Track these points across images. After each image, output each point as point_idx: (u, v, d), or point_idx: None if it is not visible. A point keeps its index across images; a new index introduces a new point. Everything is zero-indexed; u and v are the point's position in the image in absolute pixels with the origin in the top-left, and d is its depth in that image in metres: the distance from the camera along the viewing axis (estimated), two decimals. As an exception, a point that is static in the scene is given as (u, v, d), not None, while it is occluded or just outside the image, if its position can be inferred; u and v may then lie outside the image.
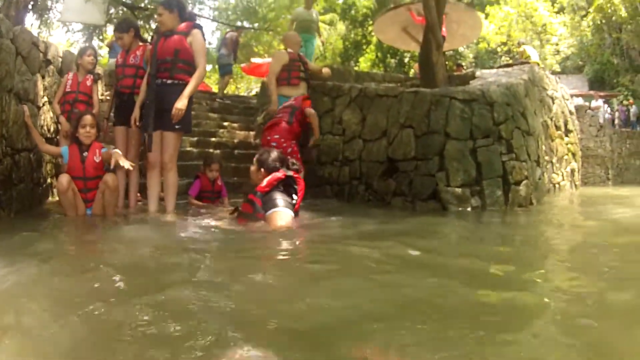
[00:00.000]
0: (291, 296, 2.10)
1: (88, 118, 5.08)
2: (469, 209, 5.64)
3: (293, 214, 4.09)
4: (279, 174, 4.19)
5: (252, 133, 9.77)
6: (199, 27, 5.26)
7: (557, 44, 23.65)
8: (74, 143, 5.11)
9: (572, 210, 7.42)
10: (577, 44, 23.97)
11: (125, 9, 16.29)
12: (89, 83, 6.10)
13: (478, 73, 8.15)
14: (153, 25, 15.65)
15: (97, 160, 4.99)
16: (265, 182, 4.16)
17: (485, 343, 1.55)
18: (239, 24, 17.47)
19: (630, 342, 1.62)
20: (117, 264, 2.61)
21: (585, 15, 22.86)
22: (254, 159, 4.54)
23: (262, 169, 4.35)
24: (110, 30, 20.67)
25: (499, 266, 2.71)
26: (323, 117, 7.66)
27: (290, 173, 4.28)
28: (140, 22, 15.96)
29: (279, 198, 4.06)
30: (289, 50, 7.32)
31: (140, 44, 5.86)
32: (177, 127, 5.00)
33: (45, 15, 19.13)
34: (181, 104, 4.91)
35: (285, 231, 3.77)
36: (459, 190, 5.65)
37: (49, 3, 18.61)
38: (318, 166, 7.30)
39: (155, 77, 5.06)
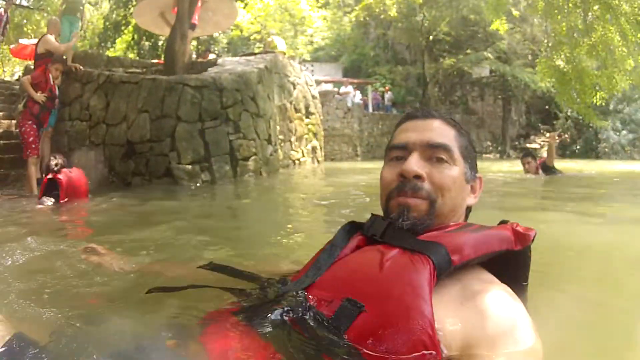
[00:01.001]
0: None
1: None
2: (199, 183, 6.43)
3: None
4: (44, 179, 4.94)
5: (14, 122, 9.14)
6: None
7: (311, 36, 25.51)
8: None
9: (296, 177, 8.71)
10: (334, 37, 26.11)
11: None
12: None
13: (220, 61, 8.89)
14: None
15: None
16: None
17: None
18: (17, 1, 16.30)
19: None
20: None
21: (350, 12, 25.22)
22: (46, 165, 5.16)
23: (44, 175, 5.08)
24: None
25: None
26: (72, 104, 7.87)
27: (51, 176, 4.87)
28: None
29: (42, 200, 4.82)
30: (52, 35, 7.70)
31: None
32: None
33: None
34: None
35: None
36: (189, 167, 6.43)
37: None
38: (69, 152, 7.38)
39: None
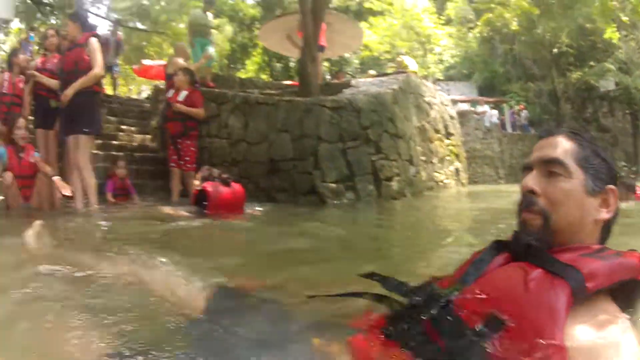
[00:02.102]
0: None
1: (22, 121, 5.56)
2: (344, 201, 6.44)
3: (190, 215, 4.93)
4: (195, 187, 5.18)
5: (148, 137, 9.93)
6: (95, 35, 5.62)
7: (440, 54, 24.87)
8: (10, 144, 5.51)
9: (441, 200, 8.35)
10: (462, 54, 25.39)
11: (30, 2, 16.31)
12: (21, 85, 6.35)
13: (353, 82, 8.92)
14: (52, 21, 15.94)
15: (32, 161, 5.48)
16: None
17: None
18: (130, 24, 17.66)
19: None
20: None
21: (472, 28, 24.37)
22: (198, 176, 5.32)
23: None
24: (15, 25, 20.64)
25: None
26: (210, 122, 8.17)
27: (201, 187, 4.99)
28: (44, 17, 16.42)
29: (191, 207, 5.02)
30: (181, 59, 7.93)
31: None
32: (85, 130, 5.39)
33: None
34: (67, 91, 5.35)
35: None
36: (334, 185, 6.45)
37: None
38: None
39: (62, 88, 5.46)
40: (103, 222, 4.94)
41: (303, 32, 8.62)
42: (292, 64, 18.88)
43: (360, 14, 19.89)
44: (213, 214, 4.87)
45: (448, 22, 24.77)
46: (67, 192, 5.24)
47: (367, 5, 19.91)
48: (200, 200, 5.00)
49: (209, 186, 4.94)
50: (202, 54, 9.61)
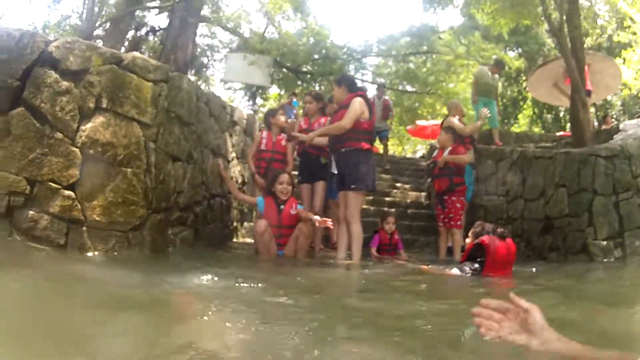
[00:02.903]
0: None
1: (286, 177, 5.71)
2: (612, 259, 6.17)
3: (459, 274, 4.63)
4: (469, 244, 4.84)
5: (422, 194, 10.57)
6: (360, 95, 5.73)
7: None
8: (269, 196, 5.71)
9: None
10: None
11: (287, 72, 17.29)
12: (283, 143, 6.58)
13: (621, 126, 8.46)
14: (317, 87, 16.59)
15: (293, 213, 5.60)
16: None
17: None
18: (400, 87, 18.49)
19: None
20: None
21: None
22: (470, 232, 4.98)
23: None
24: (273, 90, 22.72)
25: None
26: (488, 180, 8.83)
27: (478, 241, 4.63)
28: (304, 84, 17.22)
29: (464, 265, 4.70)
30: (457, 117, 8.34)
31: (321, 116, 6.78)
32: (352, 186, 5.55)
33: (203, 72, 20.88)
34: (306, 136, 6.02)
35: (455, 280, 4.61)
36: (604, 243, 6.28)
37: (205, 60, 20.47)
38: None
39: (332, 149, 5.86)
40: (365, 271, 5.04)
41: (570, 78, 8.42)
42: (562, 114, 18.52)
43: (611, 49, 18.45)
44: (489, 274, 4.53)
45: None
46: (328, 224, 5.25)
47: (616, 39, 18.24)
48: (473, 257, 4.70)
49: (486, 239, 4.57)
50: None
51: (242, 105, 24.02)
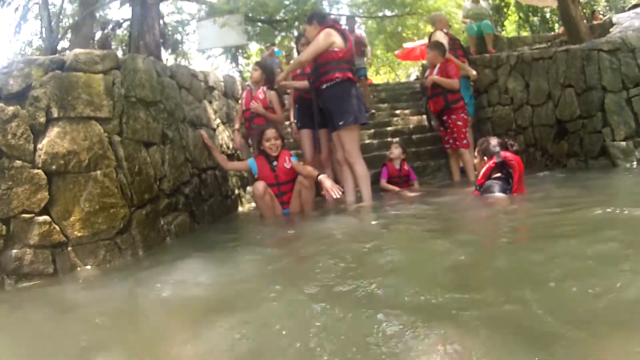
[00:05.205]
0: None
1: (271, 131, 5.45)
2: (634, 163, 5.96)
3: (506, 197, 4.30)
4: (490, 163, 4.47)
5: (424, 117, 9.95)
6: (329, 26, 5.47)
7: None
8: (260, 155, 5.54)
9: None
10: None
11: (262, 25, 16.93)
12: (261, 96, 6.25)
13: (614, 19, 8.13)
14: (295, 32, 15.94)
15: (288, 167, 5.39)
16: (480, 174, 4.58)
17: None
18: (380, 14, 18.05)
19: None
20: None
21: None
22: (476, 151, 4.77)
23: (485, 158, 4.56)
24: (253, 47, 22.65)
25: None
26: (489, 90, 8.53)
27: (500, 159, 4.38)
28: (283, 33, 17.04)
29: (494, 185, 4.39)
30: (444, 30, 8.01)
31: None
32: (340, 123, 5.31)
33: (179, 49, 20.50)
34: (279, 77, 6.18)
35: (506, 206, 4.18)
36: (623, 143, 6.04)
37: (179, 37, 19.98)
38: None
39: (312, 89, 5.67)
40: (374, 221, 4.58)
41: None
42: (548, 15, 18.01)
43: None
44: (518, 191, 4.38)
45: None
46: (336, 193, 4.88)
47: None
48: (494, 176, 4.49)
49: (510, 155, 4.38)
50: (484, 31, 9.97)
51: (226, 69, 24.14)
